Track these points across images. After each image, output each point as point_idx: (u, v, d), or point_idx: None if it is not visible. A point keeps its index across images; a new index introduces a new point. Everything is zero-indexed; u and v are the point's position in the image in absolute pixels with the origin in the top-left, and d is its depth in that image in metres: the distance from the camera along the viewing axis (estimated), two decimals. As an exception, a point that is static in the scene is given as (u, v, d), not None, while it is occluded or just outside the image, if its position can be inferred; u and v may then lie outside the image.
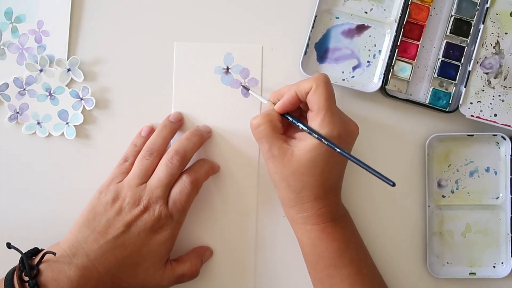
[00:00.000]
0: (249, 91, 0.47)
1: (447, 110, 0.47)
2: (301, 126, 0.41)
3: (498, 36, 0.47)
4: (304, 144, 0.40)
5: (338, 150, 0.39)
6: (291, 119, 0.42)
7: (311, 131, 0.40)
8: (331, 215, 0.42)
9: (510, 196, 0.48)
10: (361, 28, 0.48)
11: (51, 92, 0.48)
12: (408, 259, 0.49)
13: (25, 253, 0.40)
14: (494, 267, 0.48)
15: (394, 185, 0.36)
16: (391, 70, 0.47)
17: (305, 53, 0.47)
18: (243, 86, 0.47)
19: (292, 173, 0.41)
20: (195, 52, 0.48)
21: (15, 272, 0.38)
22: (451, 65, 0.47)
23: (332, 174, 0.42)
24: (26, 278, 0.38)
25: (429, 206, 0.48)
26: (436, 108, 0.47)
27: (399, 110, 0.49)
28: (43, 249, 0.41)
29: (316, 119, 0.40)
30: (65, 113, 0.48)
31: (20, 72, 0.47)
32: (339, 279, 0.42)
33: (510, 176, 0.48)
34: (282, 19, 0.48)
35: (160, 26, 0.48)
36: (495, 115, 0.47)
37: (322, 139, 0.39)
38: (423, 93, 0.48)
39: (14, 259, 0.39)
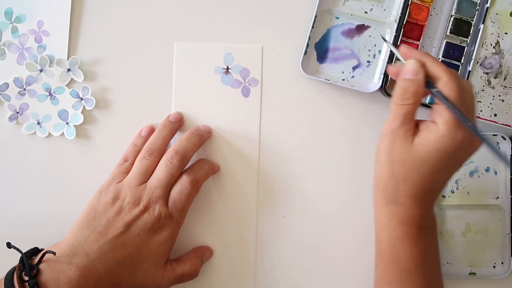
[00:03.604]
0: (386, 42, 0.45)
1: (447, 110, 0.47)
2: (449, 106, 0.36)
3: (498, 36, 0.47)
4: (428, 136, 0.37)
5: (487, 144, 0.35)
6: (436, 90, 0.37)
7: (459, 115, 0.36)
8: (420, 220, 0.40)
9: (510, 196, 0.48)
10: (361, 28, 0.48)
11: (51, 92, 0.48)
12: (408, 259, 0.49)
13: (25, 252, 0.40)
14: (494, 267, 0.48)
15: None
16: (391, 70, 0.47)
17: (305, 53, 0.47)
18: (382, 38, 0.45)
19: (402, 161, 0.38)
20: (195, 52, 0.48)
21: (15, 272, 0.38)
22: (451, 65, 0.47)
23: (438, 177, 0.39)
24: (26, 278, 0.38)
25: (429, 206, 0.48)
26: (436, 108, 0.47)
27: (399, 110, 0.49)
28: (43, 249, 0.41)
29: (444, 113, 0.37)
30: (65, 113, 0.48)
31: (20, 72, 0.47)
32: (409, 287, 0.40)
33: (510, 176, 0.48)
34: (282, 19, 0.48)
35: (160, 26, 0.48)
36: (495, 115, 0.47)
37: (478, 134, 0.36)
38: (423, 93, 0.48)
39: (14, 259, 0.39)
